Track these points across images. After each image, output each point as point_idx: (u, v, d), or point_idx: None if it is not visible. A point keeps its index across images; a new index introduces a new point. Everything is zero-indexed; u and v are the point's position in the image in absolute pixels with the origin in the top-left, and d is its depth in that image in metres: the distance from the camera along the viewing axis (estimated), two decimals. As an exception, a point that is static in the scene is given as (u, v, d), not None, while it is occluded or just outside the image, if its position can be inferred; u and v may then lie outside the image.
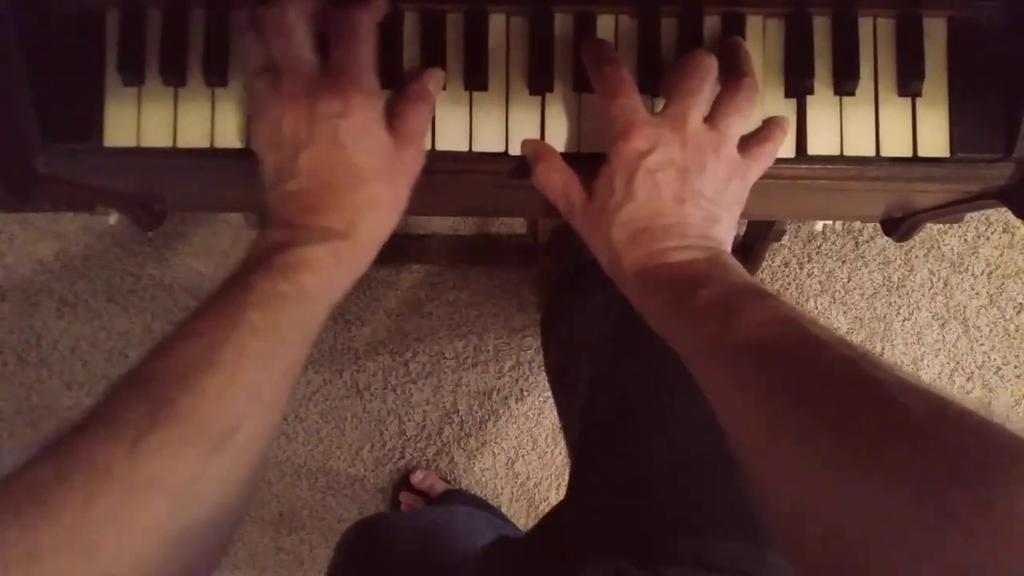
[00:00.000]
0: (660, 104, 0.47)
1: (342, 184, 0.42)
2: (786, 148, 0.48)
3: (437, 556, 0.66)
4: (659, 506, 0.53)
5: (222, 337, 0.36)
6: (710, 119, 0.45)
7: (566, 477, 1.25)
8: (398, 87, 0.46)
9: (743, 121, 0.45)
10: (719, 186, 0.45)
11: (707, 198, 0.44)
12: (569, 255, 1.12)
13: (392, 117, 0.45)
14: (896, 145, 0.48)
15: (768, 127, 0.47)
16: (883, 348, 1.25)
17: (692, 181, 0.44)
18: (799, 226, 1.23)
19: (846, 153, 0.48)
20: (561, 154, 0.47)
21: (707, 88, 0.45)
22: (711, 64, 0.45)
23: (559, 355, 0.90)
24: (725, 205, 0.45)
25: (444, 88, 0.47)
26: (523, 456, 1.25)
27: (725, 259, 0.43)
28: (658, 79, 0.47)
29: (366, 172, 0.43)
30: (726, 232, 0.46)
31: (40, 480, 0.31)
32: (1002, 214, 1.24)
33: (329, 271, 0.40)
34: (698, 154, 0.44)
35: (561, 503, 0.60)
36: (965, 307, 1.26)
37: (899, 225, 0.62)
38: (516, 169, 0.48)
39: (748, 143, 0.46)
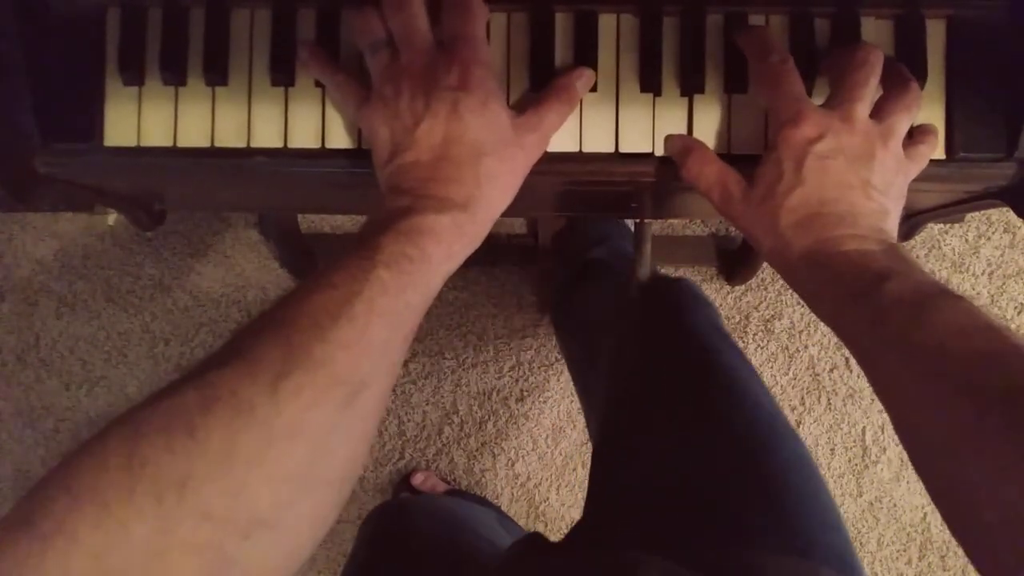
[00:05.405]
0: (661, 102, 0.47)
1: (462, 156, 0.42)
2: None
3: (460, 542, 0.67)
4: (691, 513, 0.52)
5: (354, 291, 0.36)
6: (877, 114, 0.45)
7: (567, 477, 1.25)
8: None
9: (909, 120, 0.46)
10: (887, 178, 0.45)
11: (876, 189, 0.44)
12: (570, 258, 1.12)
13: (531, 103, 0.45)
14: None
15: (922, 131, 0.47)
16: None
17: (861, 170, 0.44)
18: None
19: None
20: None
21: (874, 82, 0.45)
22: (878, 59, 0.45)
23: (574, 336, 0.89)
24: (892, 198, 0.45)
25: (594, 90, 0.47)
26: (523, 456, 1.25)
27: (903, 252, 0.42)
28: (660, 77, 0.47)
29: (485, 146, 0.43)
30: (894, 226, 0.46)
31: (186, 407, 0.31)
32: (1003, 214, 1.24)
33: (450, 241, 0.41)
34: (867, 144, 0.44)
35: (589, 504, 0.60)
36: (965, 307, 1.26)
37: (900, 225, 0.62)
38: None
39: (905, 144, 0.46)
